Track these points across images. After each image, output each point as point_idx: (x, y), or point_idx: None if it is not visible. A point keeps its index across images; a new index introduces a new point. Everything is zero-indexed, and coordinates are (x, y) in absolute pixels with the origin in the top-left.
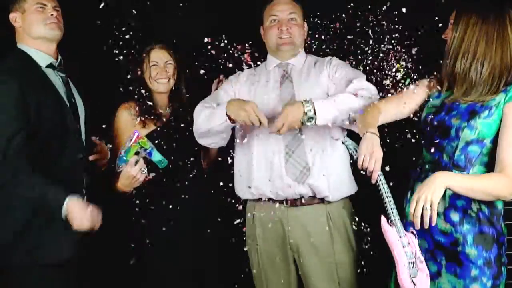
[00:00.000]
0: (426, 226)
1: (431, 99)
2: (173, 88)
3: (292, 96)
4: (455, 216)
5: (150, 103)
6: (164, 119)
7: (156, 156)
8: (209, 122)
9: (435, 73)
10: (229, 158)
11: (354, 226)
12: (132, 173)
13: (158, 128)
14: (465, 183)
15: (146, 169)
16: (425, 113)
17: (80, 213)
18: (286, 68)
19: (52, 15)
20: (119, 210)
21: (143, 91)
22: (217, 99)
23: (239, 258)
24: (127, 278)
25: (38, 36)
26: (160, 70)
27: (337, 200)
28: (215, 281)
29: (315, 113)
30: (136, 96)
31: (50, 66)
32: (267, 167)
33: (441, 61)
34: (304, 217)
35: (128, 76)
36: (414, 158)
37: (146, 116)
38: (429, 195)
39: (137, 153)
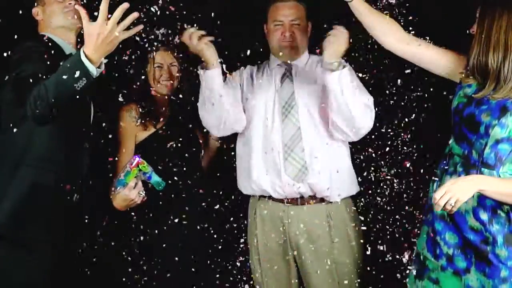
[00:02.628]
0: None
1: (463, 88)
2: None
3: (291, 94)
4: (483, 216)
5: (151, 106)
6: (165, 121)
7: (155, 179)
8: (204, 98)
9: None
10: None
11: (355, 227)
12: (130, 196)
13: (159, 131)
14: (499, 188)
15: (144, 192)
16: (456, 101)
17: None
18: (288, 68)
19: (70, 4)
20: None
21: (145, 93)
22: None
23: (239, 255)
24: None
25: (57, 25)
26: (164, 72)
27: (337, 200)
28: (214, 280)
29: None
30: (136, 98)
31: (71, 55)
32: (266, 164)
33: (469, 56)
34: (304, 216)
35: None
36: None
37: (147, 118)
38: (458, 193)
39: (136, 177)
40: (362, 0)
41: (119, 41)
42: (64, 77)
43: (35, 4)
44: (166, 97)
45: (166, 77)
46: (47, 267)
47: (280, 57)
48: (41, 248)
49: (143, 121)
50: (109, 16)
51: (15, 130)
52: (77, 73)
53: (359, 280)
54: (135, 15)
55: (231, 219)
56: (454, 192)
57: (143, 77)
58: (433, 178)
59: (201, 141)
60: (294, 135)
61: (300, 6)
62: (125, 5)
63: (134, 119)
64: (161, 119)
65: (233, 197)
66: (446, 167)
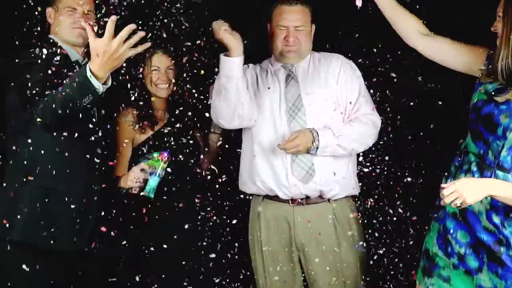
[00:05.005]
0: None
1: (483, 84)
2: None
3: (298, 95)
4: (496, 219)
5: (149, 109)
6: (162, 124)
7: (153, 183)
8: (220, 86)
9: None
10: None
11: (359, 226)
12: (130, 175)
13: (156, 134)
14: (510, 194)
15: (139, 182)
16: (476, 98)
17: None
18: (291, 68)
19: (79, 20)
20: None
21: (142, 96)
22: None
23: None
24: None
25: (63, 38)
26: (161, 75)
27: (341, 198)
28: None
29: (318, 145)
30: (134, 102)
31: (76, 63)
32: (273, 165)
33: (493, 55)
34: (310, 215)
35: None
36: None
37: (144, 121)
38: (465, 194)
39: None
40: None
41: (125, 58)
42: (71, 92)
43: (50, 3)
44: (164, 100)
45: (163, 80)
46: (56, 271)
47: (282, 60)
48: (50, 253)
49: (140, 125)
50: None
51: (22, 136)
52: (83, 90)
53: (364, 280)
54: (141, 34)
55: (232, 221)
56: (462, 192)
57: (139, 80)
58: (445, 174)
59: (200, 144)
60: None
61: (306, 10)
62: (132, 26)
63: (131, 123)
64: (159, 123)
65: (231, 200)
66: (460, 164)
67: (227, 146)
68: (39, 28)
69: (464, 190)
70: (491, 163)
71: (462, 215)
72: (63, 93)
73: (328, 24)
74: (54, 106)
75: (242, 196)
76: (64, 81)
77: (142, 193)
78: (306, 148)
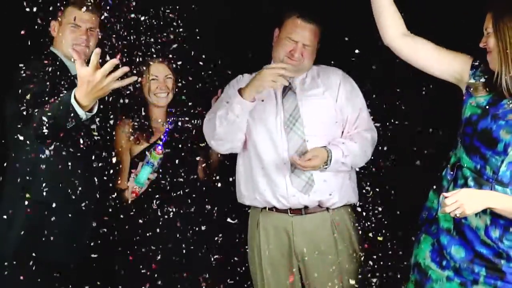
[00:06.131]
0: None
1: (475, 97)
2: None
3: (295, 106)
4: (495, 233)
5: (145, 120)
6: (158, 135)
7: (144, 173)
8: (227, 120)
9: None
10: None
11: (358, 235)
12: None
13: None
14: (510, 207)
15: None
16: (468, 112)
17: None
18: (289, 80)
19: (81, 38)
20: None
21: (139, 106)
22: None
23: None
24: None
25: (64, 52)
26: (159, 84)
27: (340, 207)
28: None
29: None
30: (131, 112)
31: (75, 77)
32: (271, 177)
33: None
34: (309, 225)
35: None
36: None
37: (140, 132)
38: (466, 205)
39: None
40: None
41: (110, 90)
42: (55, 114)
43: (55, 17)
44: (162, 109)
45: (162, 89)
46: (52, 285)
47: None
48: (46, 267)
49: (134, 136)
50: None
51: (20, 150)
52: (67, 114)
53: None
54: (124, 69)
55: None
56: (462, 203)
57: (138, 90)
58: (434, 187)
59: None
60: (300, 147)
61: (317, 30)
62: (115, 61)
63: (127, 133)
64: (155, 134)
65: (231, 210)
66: (453, 178)
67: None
68: (42, 40)
69: (465, 201)
70: (489, 178)
71: (457, 230)
72: (49, 113)
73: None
74: (44, 120)
75: (240, 205)
76: (60, 95)
77: (132, 184)
78: (319, 165)
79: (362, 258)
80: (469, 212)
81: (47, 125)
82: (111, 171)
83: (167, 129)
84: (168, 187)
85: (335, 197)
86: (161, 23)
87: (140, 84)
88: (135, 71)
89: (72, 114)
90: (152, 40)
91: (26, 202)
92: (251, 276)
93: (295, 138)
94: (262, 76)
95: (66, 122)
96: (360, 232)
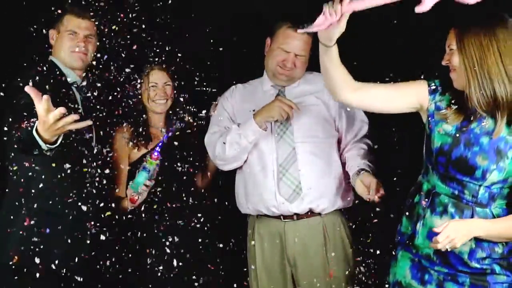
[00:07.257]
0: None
1: (438, 125)
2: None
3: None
4: (481, 255)
5: (144, 126)
6: (156, 142)
7: (140, 178)
8: (239, 144)
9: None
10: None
11: (349, 240)
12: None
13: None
14: (493, 231)
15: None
16: (438, 141)
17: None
18: (281, 89)
19: (79, 44)
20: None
21: (138, 113)
22: (221, 122)
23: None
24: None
25: (63, 60)
26: (159, 91)
27: (332, 212)
28: None
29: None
30: (130, 119)
31: (74, 84)
32: (261, 184)
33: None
34: (302, 230)
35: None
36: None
37: (139, 139)
38: (457, 240)
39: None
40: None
41: (66, 130)
42: (25, 137)
43: (54, 25)
44: (161, 116)
45: (161, 96)
46: None
47: (274, 81)
48: (46, 276)
49: (134, 142)
50: None
51: (19, 160)
52: (32, 143)
53: None
54: (74, 117)
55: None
56: (453, 237)
57: (137, 97)
58: (406, 213)
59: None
60: (289, 155)
61: (310, 39)
62: (62, 110)
63: (126, 139)
64: (153, 140)
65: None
66: (429, 205)
67: None
68: (40, 49)
69: (455, 235)
70: (468, 202)
71: (438, 255)
72: (22, 134)
73: None
74: (17, 137)
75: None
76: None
77: (130, 192)
78: None
79: (355, 263)
80: (459, 245)
81: (21, 144)
82: (110, 179)
83: (165, 136)
84: (165, 195)
85: (324, 202)
86: (160, 30)
87: (140, 91)
88: (134, 77)
89: (35, 144)
90: (151, 47)
91: (25, 211)
92: (248, 280)
93: (285, 145)
94: (272, 108)
95: (32, 149)
96: (350, 235)
